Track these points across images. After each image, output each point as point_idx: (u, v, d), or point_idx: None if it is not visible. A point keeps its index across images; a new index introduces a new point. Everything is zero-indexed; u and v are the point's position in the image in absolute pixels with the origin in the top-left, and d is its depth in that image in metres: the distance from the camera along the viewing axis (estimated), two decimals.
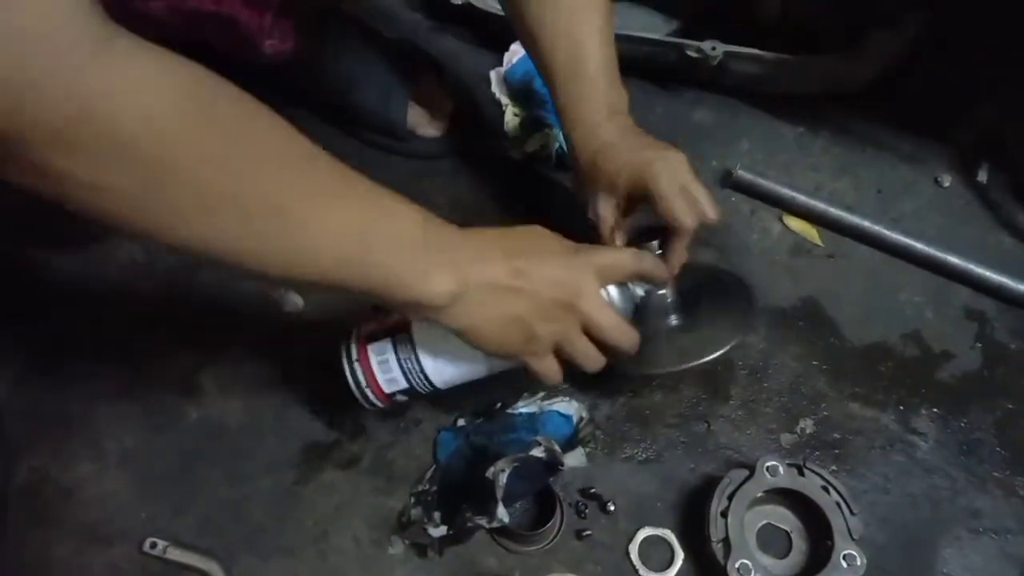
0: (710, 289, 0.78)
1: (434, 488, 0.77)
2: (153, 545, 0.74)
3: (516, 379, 0.81)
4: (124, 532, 0.76)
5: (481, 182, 0.97)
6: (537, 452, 0.72)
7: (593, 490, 0.77)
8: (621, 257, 0.65)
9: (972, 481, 0.79)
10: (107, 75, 0.42)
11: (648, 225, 0.74)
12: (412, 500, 0.76)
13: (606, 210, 0.74)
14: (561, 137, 0.95)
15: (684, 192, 0.69)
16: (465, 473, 0.76)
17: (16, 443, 0.80)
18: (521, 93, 0.99)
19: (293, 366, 0.84)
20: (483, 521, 0.70)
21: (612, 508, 0.76)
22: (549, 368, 0.64)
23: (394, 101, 0.95)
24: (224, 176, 0.47)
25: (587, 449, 0.78)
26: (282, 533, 0.76)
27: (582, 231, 0.91)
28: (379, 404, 0.69)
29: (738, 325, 0.74)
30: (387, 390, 0.68)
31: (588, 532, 0.75)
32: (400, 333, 0.67)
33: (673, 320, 0.74)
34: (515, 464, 0.71)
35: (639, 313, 0.71)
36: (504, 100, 1.01)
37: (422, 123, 0.97)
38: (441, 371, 0.67)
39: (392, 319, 0.68)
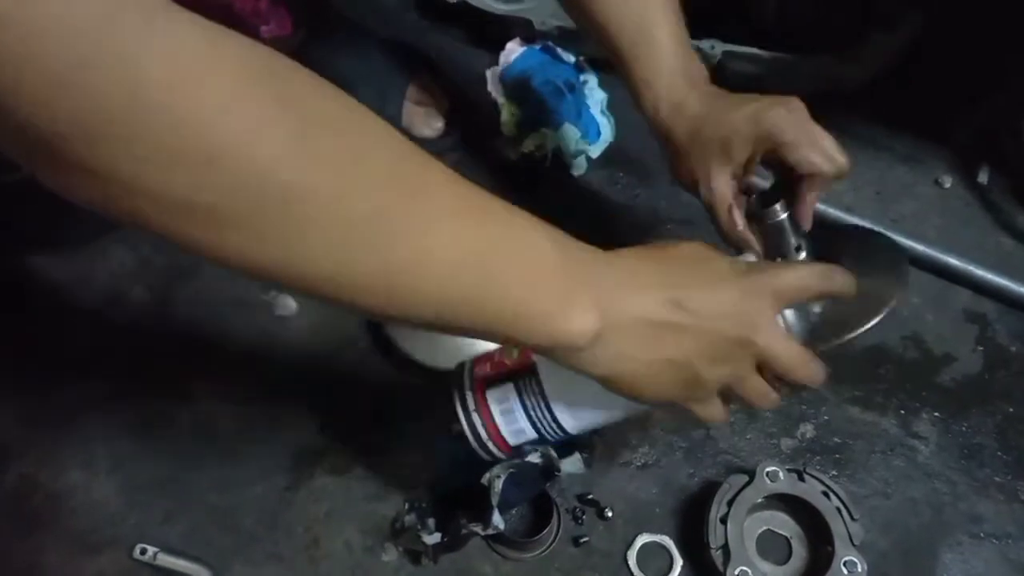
0: (849, 248, 0.69)
1: (428, 494, 0.75)
2: (143, 552, 0.73)
3: None
4: (114, 539, 0.75)
5: (477, 182, 0.94)
6: (533, 458, 0.71)
7: (590, 496, 0.76)
8: (805, 277, 0.52)
9: (973, 486, 0.78)
10: (161, 56, 0.33)
11: (760, 189, 0.66)
12: (406, 506, 0.75)
13: (723, 184, 0.64)
14: (558, 136, 0.94)
15: (811, 137, 0.62)
16: (460, 479, 0.75)
17: (5, 449, 0.79)
18: (517, 92, 0.98)
19: (285, 371, 0.83)
20: (478, 528, 0.69)
21: (610, 514, 0.75)
22: (715, 413, 0.54)
23: (389, 100, 0.94)
24: (314, 173, 0.37)
25: (584, 454, 0.76)
26: (273, 540, 0.75)
27: (580, 228, 0.91)
28: (501, 456, 0.61)
29: (890, 284, 0.65)
30: (512, 442, 0.60)
31: (585, 539, 0.74)
32: (524, 376, 0.58)
33: None
34: (511, 470, 0.70)
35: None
36: (500, 99, 1.00)
37: (417, 122, 0.96)
38: (576, 419, 0.58)
39: (513, 359, 0.59)
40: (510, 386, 0.58)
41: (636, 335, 0.48)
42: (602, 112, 0.97)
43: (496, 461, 0.62)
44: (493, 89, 1.01)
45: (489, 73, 1.01)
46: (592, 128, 0.96)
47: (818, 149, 0.62)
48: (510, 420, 0.59)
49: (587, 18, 0.68)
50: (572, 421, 0.59)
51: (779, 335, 0.51)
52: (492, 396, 0.59)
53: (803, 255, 0.65)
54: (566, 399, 0.57)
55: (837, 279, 0.53)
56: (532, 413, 0.58)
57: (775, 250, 0.65)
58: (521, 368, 0.58)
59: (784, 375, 0.52)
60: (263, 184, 0.36)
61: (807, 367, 0.52)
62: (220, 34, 0.37)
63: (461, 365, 0.62)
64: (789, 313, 0.54)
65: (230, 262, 0.39)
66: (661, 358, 0.48)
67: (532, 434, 0.59)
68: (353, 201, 0.39)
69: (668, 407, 0.53)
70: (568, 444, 0.77)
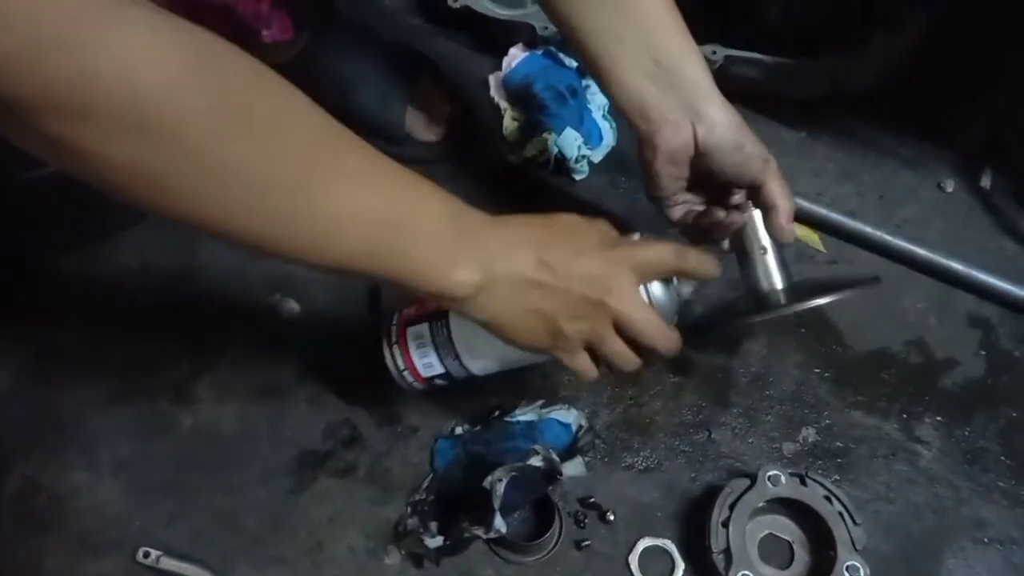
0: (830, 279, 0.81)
1: (431, 497, 0.76)
2: (146, 554, 0.73)
3: (515, 385, 0.81)
4: (117, 541, 0.75)
5: (479, 186, 0.96)
6: (535, 461, 0.71)
7: (592, 499, 0.76)
8: (662, 252, 0.61)
9: (976, 490, 0.78)
10: (115, 38, 0.40)
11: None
12: (408, 509, 0.75)
13: (668, 177, 0.69)
14: (560, 141, 0.94)
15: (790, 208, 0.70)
16: (462, 482, 0.75)
17: (9, 451, 0.79)
18: (520, 97, 0.99)
19: (289, 372, 0.83)
20: (480, 531, 0.69)
21: (612, 518, 0.75)
22: (581, 364, 0.62)
23: (392, 105, 0.94)
24: (242, 147, 0.45)
25: (586, 458, 0.77)
26: (277, 543, 0.75)
27: None
28: (418, 386, 0.71)
29: (851, 284, 0.73)
30: (424, 374, 0.70)
31: (587, 542, 0.74)
32: (438, 319, 0.68)
33: (780, 289, 0.71)
34: (513, 473, 0.70)
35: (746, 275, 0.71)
36: (503, 104, 1.00)
37: (420, 127, 0.96)
38: (477, 359, 0.68)
39: (432, 304, 0.69)
40: (426, 326, 0.69)
41: (510, 288, 0.56)
42: (604, 117, 0.97)
43: (414, 391, 0.72)
44: (495, 94, 1.01)
45: (492, 78, 1.02)
46: (594, 133, 0.96)
47: (788, 219, 0.69)
48: (423, 354, 0.69)
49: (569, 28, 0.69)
50: (472, 361, 0.68)
51: (634, 301, 0.59)
52: (411, 333, 0.69)
53: (771, 257, 0.70)
54: (468, 342, 0.67)
55: (692, 258, 0.61)
56: (440, 351, 0.68)
57: (742, 247, 0.71)
58: (437, 311, 0.69)
59: (637, 338, 0.60)
60: (200, 154, 0.44)
61: (657, 332, 0.60)
62: (169, 25, 0.43)
63: (398, 308, 0.72)
64: (656, 286, 0.62)
65: (170, 215, 0.47)
66: (530, 308, 0.57)
67: (440, 369, 0.69)
68: (272, 169, 0.47)
69: (542, 354, 0.62)
70: (570, 448, 0.77)
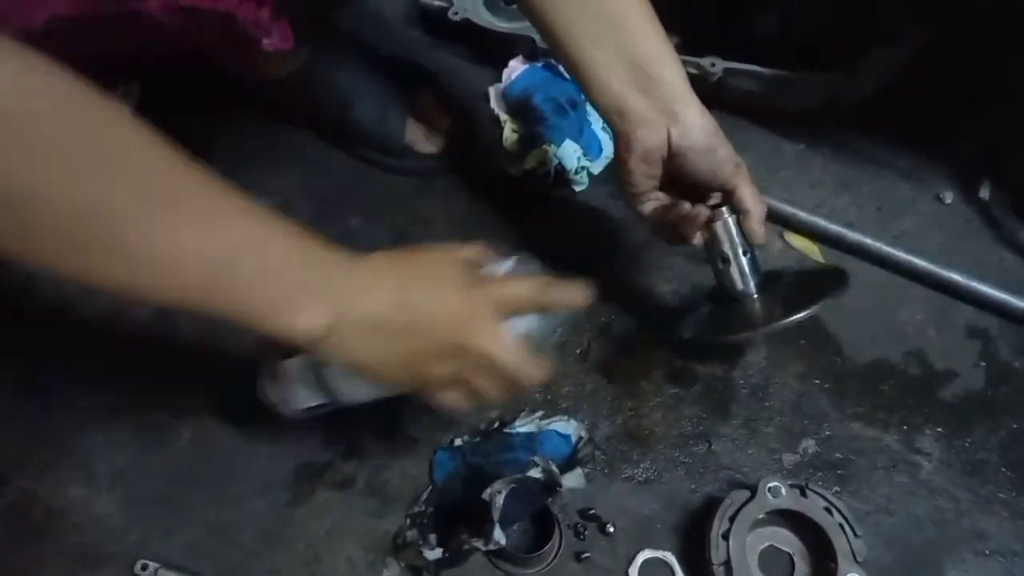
0: (797, 276, 0.82)
1: (430, 509, 0.75)
2: (144, 567, 0.73)
3: (512, 398, 0.81)
4: (114, 554, 0.74)
5: (479, 199, 0.96)
6: (535, 473, 0.71)
7: (592, 511, 0.76)
8: (520, 289, 0.61)
9: (977, 502, 0.78)
10: None
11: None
12: (407, 521, 0.75)
13: (640, 174, 0.72)
14: (559, 153, 0.94)
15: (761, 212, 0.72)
16: (461, 494, 0.75)
17: (6, 463, 0.79)
18: (519, 109, 0.99)
19: None
20: (480, 543, 0.69)
21: (611, 530, 0.75)
22: (449, 401, 0.61)
23: (392, 118, 0.94)
24: (62, 176, 0.44)
25: (586, 469, 0.76)
26: (274, 556, 0.74)
27: (582, 245, 0.91)
28: (297, 415, 0.69)
29: (821, 293, 0.72)
30: (300, 405, 0.68)
31: (587, 554, 0.74)
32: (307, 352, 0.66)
33: (754, 292, 0.74)
34: (512, 485, 0.70)
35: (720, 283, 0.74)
36: (503, 116, 1.00)
37: (420, 140, 0.96)
38: (349, 390, 0.65)
39: None
40: (295, 360, 0.67)
41: (367, 331, 0.55)
42: (603, 129, 0.98)
43: (294, 418, 0.70)
44: (495, 106, 1.01)
45: (492, 90, 1.02)
46: (594, 145, 0.97)
47: (759, 222, 0.72)
48: (295, 388, 0.67)
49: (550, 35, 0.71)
50: (344, 390, 0.65)
51: (495, 340, 0.58)
52: (287, 362, 0.67)
53: (744, 260, 0.73)
54: (336, 377, 0.65)
55: (555, 292, 0.61)
56: (318, 379, 0.66)
57: (716, 249, 0.74)
58: None
59: (501, 375, 0.59)
60: (36, 199, 0.44)
61: (523, 369, 0.59)
62: (31, 70, 0.43)
63: None
64: (522, 320, 0.61)
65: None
66: (389, 350, 0.56)
67: (318, 399, 0.67)
68: (107, 210, 0.46)
69: (409, 391, 0.61)
70: (570, 460, 0.77)
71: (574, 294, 0.63)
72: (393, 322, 0.55)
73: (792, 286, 0.78)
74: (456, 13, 1.04)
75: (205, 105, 0.95)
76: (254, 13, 0.66)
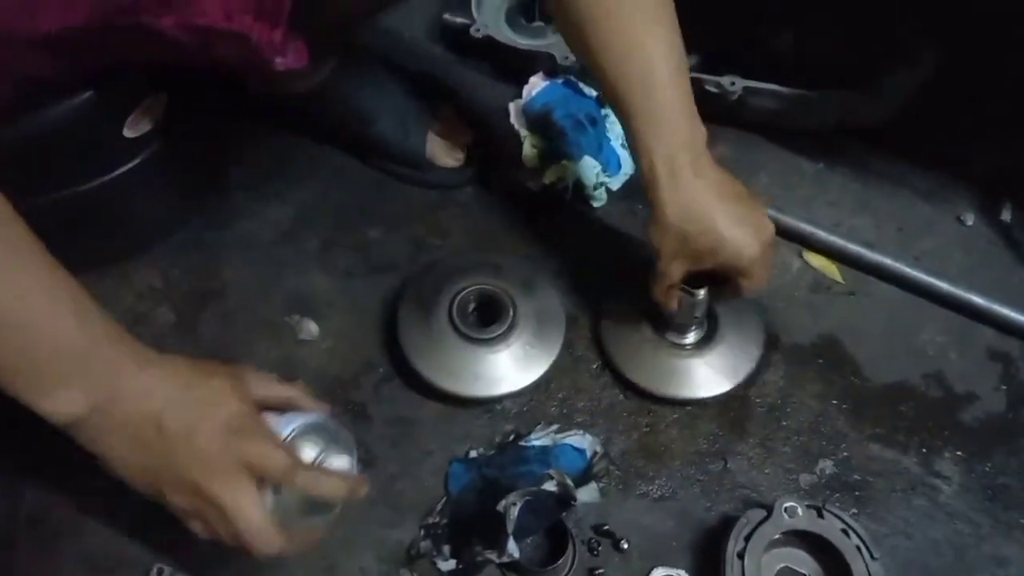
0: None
1: (444, 521, 0.75)
2: (160, 572, 0.73)
3: (531, 410, 0.81)
4: (131, 560, 0.75)
5: (498, 213, 0.97)
6: (549, 486, 0.71)
7: (606, 527, 0.75)
8: (276, 463, 0.57)
9: (997, 528, 0.77)
10: None
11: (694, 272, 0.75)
12: (421, 532, 0.75)
13: (678, 273, 0.73)
14: (578, 168, 0.95)
15: (763, 278, 0.73)
16: (476, 506, 0.75)
17: (22, 469, 0.79)
18: (539, 125, 1.00)
19: None
20: (493, 555, 0.69)
21: (625, 546, 0.74)
22: (192, 528, 0.58)
23: (413, 132, 0.95)
24: None
25: (601, 484, 0.76)
26: (289, 564, 0.74)
27: (598, 260, 0.91)
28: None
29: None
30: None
31: (601, 571, 0.73)
32: None
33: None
34: (527, 498, 0.70)
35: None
36: (522, 132, 1.01)
37: (441, 154, 0.97)
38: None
39: None
40: None
41: (123, 435, 0.55)
42: (623, 146, 0.98)
43: None
44: (516, 121, 1.02)
45: (512, 106, 1.03)
46: (612, 161, 0.97)
47: (759, 287, 0.73)
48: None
49: (593, 68, 0.71)
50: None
51: (235, 497, 0.55)
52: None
53: (701, 328, 0.84)
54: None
55: (319, 481, 0.59)
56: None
57: (685, 316, 0.81)
58: None
59: (232, 533, 0.56)
60: None
61: (255, 536, 0.55)
62: None
63: None
64: (287, 491, 0.58)
65: None
66: (138, 462, 0.56)
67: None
68: None
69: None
70: (585, 474, 0.77)
71: (341, 488, 0.60)
72: (147, 438, 0.55)
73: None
74: (478, 30, 1.05)
75: (229, 116, 0.97)
76: (268, 34, 0.67)
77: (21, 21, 0.63)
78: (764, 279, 0.73)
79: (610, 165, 0.97)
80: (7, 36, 0.64)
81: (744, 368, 0.83)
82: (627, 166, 0.98)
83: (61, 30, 0.64)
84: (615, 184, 0.97)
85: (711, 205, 0.69)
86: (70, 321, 0.54)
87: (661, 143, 0.69)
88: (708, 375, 0.83)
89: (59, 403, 0.54)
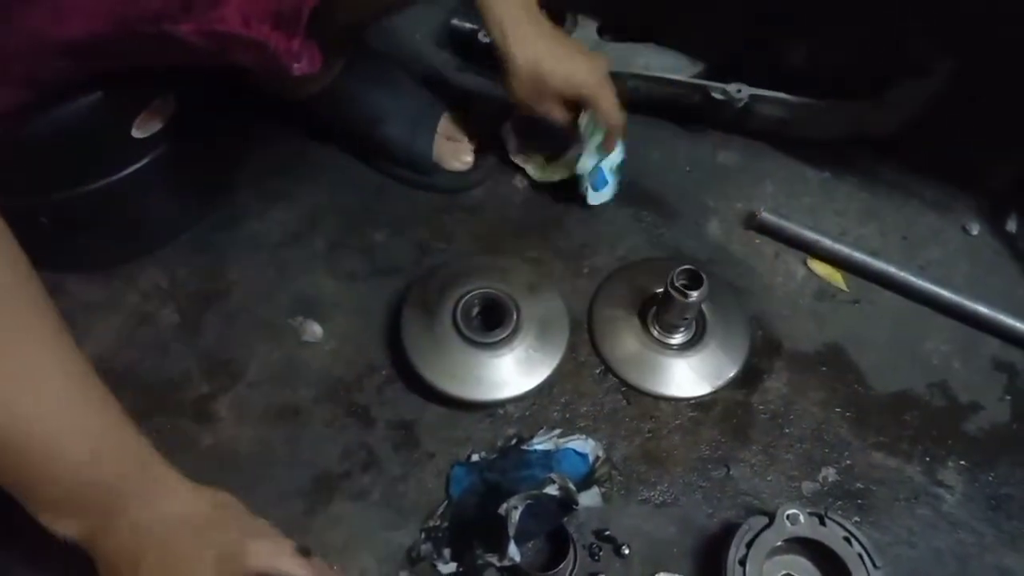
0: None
1: (445, 524, 0.75)
2: None
3: (533, 414, 0.81)
4: None
5: (502, 216, 0.97)
6: (551, 490, 0.71)
7: (608, 532, 0.75)
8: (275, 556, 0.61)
9: (1001, 537, 0.76)
10: None
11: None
12: (422, 535, 0.75)
13: (562, 113, 0.88)
14: (581, 170, 0.94)
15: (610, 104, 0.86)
16: (477, 509, 0.75)
17: None
18: (544, 129, 1.00)
19: (308, 395, 0.83)
20: (494, 559, 0.69)
21: (627, 552, 0.74)
22: None
23: (420, 134, 0.96)
24: None
25: (603, 489, 0.76)
26: None
27: (603, 263, 0.92)
28: None
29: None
30: None
31: None
32: None
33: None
34: (528, 502, 0.70)
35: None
36: (527, 137, 1.01)
37: (448, 156, 0.98)
38: None
39: None
40: None
41: (104, 564, 0.57)
42: (611, 171, 0.97)
43: None
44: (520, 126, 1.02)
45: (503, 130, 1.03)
46: (600, 179, 0.96)
47: (613, 109, 0.87)
48: None
49: None
50: None
51: None
52: None
53: (689, 330, 0.87)
54: None
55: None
56: None
57: (675, 316, 0.85)
58: None
59: None
60: None
61: None
62: None
63: None
64: None
65: None
66: None
67: None
68: None
69: None
70: (586, 479, 0.77)
71: None
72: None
73: None
74: (486, 35, 1.06)
75: (238, 117, 0.97)
76: (285, 43, 0.67)
77: (48, 30, 0.64)
78: (615, 103, 0.86)
79: (597, 182, 0.96)
80: (36, 44, 0.65)
81: (726, 373, 0.85)
82: (607, 191, 0.97)
83: (85, 37, 0.64)
84: (594, 200, 0.95)
85: (553, 46, 0.83)
86: (79, 449, 0.56)
87: (503, 4, 0.80)
88: (688, 376, 0.85)
89: (60, 527, 0.56)
